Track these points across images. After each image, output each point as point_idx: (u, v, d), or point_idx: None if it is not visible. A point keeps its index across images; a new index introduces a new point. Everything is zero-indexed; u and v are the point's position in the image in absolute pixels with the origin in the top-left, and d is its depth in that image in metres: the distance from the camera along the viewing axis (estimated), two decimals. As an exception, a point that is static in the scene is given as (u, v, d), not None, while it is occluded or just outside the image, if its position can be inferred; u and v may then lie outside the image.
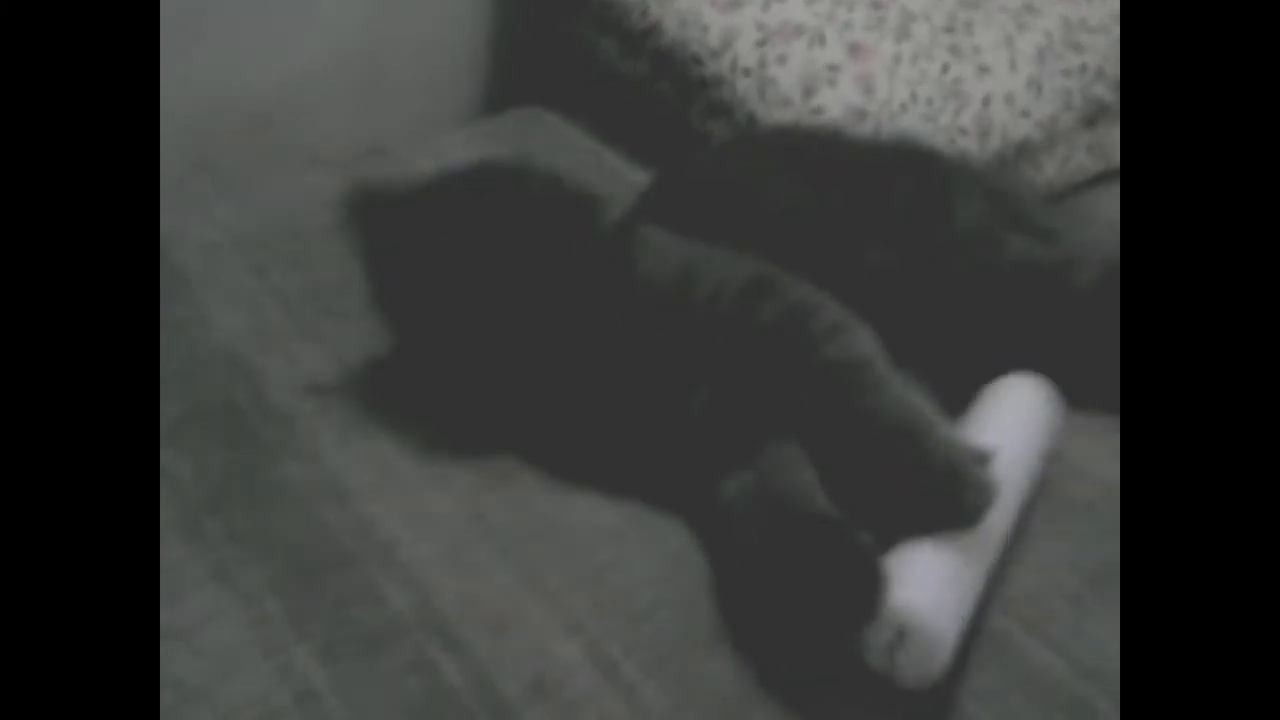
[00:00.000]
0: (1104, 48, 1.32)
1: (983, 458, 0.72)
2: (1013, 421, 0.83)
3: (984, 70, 1.24)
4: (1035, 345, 0.90)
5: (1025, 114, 1.25)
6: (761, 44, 1.19)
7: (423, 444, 0.86)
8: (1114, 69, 1.32)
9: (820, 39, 1.20)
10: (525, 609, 0.74)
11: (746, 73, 1.19)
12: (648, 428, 0.82)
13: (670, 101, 1.28)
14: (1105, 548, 0.80)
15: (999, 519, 0.74)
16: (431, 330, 0.84)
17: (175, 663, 0.69)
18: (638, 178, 1.23)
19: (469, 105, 1.50)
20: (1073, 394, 0.88)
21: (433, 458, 0.85)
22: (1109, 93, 1.32)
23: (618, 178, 1.26)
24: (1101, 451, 0.88)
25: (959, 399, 0.85)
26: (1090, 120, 1.34)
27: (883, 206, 0.96)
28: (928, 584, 0.68)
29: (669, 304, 0.83)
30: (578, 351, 0.82)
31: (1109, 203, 1.34)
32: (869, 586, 0.67)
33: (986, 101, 1.23)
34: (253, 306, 1.02)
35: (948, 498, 0.70)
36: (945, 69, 1.22)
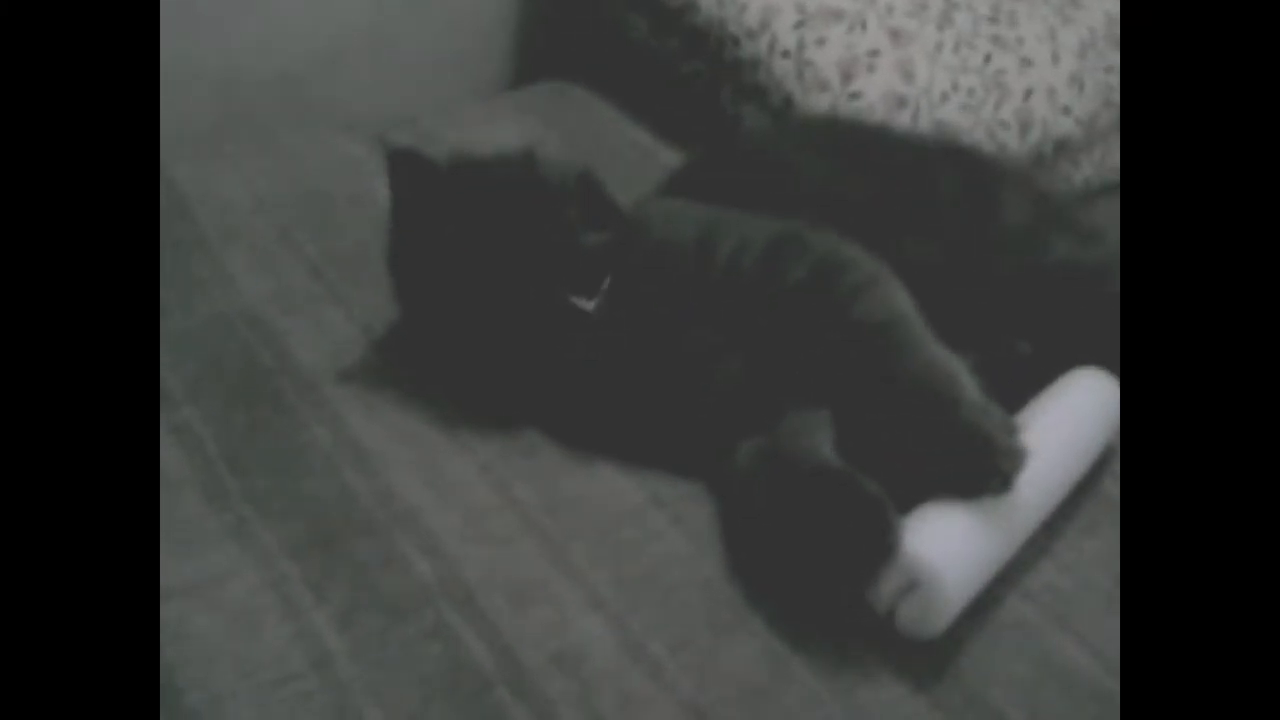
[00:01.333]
0: (1146, 46, 1.30)
1: (1013, 426, 0.72)
2: (1067, 410, 0.82)
3: (1026, 63, 1.22)
4: (1076, 345, 0.88)
5: (1066, 110, 1.23)
6: (800, 26, 1.17)
7: (447, 414, 0.85)
8: (1155, 68, 1.30)
9: (861, 24, 1.18)
10: (548, 581, 0.73)
11: (785, 54, 1.17)
12: (676, 399, 0.80)
13: (702, 81, 1.26)
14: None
15: (1034, 494, 0.73)
16: (451, 305, 0.83)
17: (190, 619, 0.68)
18: (666, 155, 1.21)
19: (498, 77, 1.49)
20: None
21: (457, 428, 0.84)
22: (1149, 92, 1.30)
23: (646, 155, 1.24)
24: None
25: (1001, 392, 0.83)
26: (1129, 120, 1.32)
27: (927, 200, 0.95)
28: (948, 543, 0.69)
29: (690, 268, 0.81)
30: (600, 324, 0.80)
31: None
32: (878, 530, 0.67)
33: (1028, 95, 1.21)
34: (278, 269, 1.00)
35: (977, 463, 0.70)
36: (988, 59, 1.20)
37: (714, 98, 1.25)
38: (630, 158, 1.23)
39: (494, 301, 0.81)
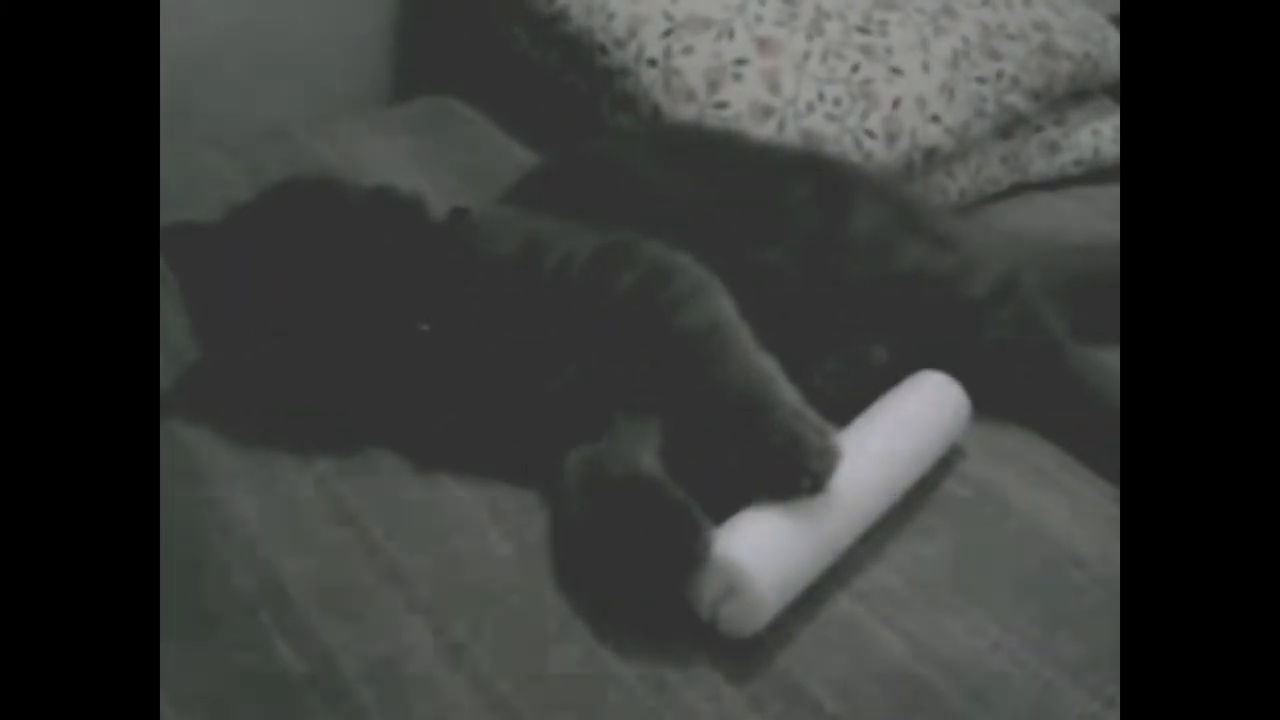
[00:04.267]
0: (1022, 56, 1.32)
1: (826, 429, 0.73)
2: (903, 413, 0.84)
3: (896, 72, 1.23)
4: (931, 350, 0.90)
5: (935, 119, 1.24)
6: (668, 34, 1.18)
7: (286, 427, 0.83)
8: (1031, 78, 1.32)
9: (729, 32, 1.19)
10: (374, 592, 0.72)
11: (652, 63, 1.18)
12: (511, 410, 0.80)
13: (581, 93, 1.27)
14: (972, 547, 0.80)
15: (859, 495, 0.75)
16: (265, 343, 0.81)
17: None
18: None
19: (378, 92, 1.47)
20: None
21: (295, 441, 0.83)
22: (1025, 102, 1.32)
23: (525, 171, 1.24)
24: (978, 452, 0.88)
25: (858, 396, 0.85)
26: (1005, 130, 1.34)
27: (777, 208, 0.95)
28: (763, 545, 0.69)
29: (515, 278, 0.81)
30: (431, 338, 0.80)
31: (1016, 215, 1.34)
32: (685, 537, 0.68)
33: (896, 104, 1.22)
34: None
35: (787, 464, 0.71)
36: (856, 69, 1.21)
37: (594, 110, 1.26)
38: (509, 174, 1.22)
39: (315, 340, 0.79)
